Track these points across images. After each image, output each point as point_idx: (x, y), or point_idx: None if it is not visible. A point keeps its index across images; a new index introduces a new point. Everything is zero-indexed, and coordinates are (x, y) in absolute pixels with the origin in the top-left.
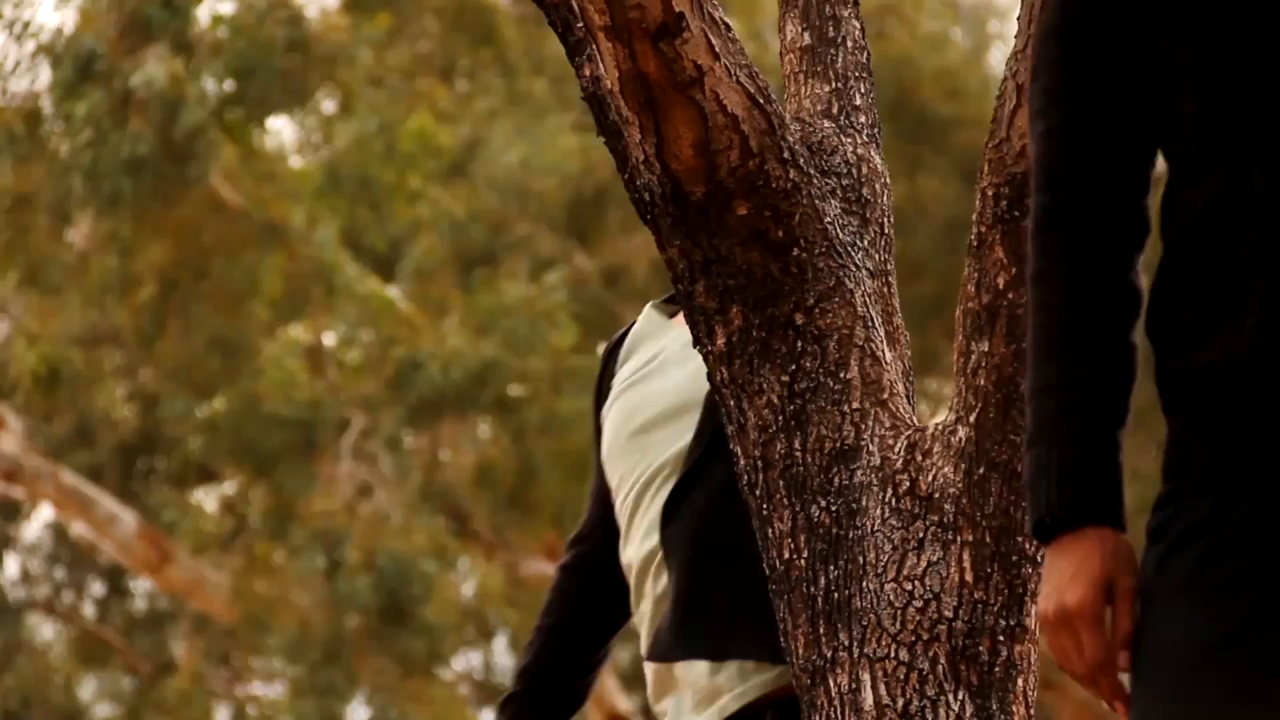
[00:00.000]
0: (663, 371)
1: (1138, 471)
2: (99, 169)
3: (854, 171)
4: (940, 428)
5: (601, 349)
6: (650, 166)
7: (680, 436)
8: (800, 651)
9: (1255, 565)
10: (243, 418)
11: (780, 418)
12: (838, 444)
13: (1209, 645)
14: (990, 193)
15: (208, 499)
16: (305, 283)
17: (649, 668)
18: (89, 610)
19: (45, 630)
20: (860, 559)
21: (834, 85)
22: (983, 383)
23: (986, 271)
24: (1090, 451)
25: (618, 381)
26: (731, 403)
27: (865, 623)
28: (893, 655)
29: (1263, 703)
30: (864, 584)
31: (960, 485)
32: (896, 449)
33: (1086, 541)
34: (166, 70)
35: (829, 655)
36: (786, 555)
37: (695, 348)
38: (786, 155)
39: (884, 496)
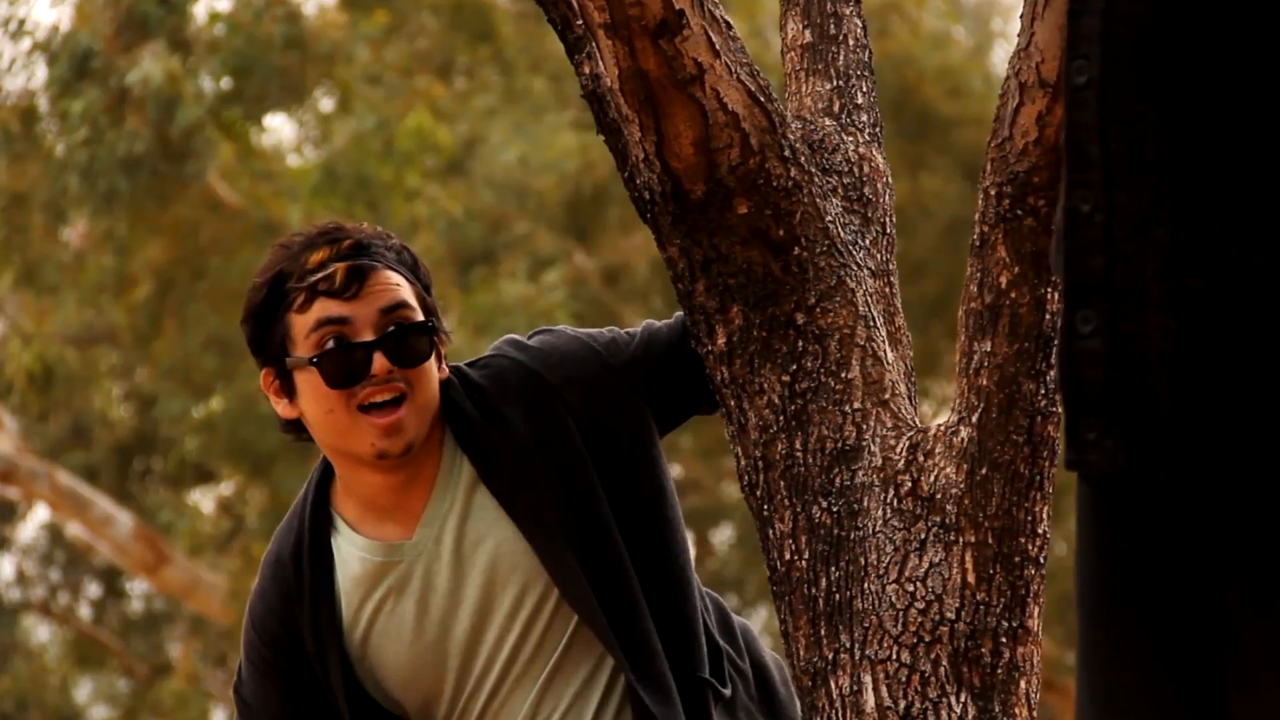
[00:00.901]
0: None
1: None
2: (95, 167)
3: (855, 170)
4: (942, 428)
5: (274, 573)
6: (650, 165)
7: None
8: (801, 653)
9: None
10: (240, 418)
11: (781, 418)
12: (839, 444)
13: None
14: (993, 192)
15: (204, 499)
16: None
17: None
18: (85, 611)
19: (41, 632)
20: (862, 560)
21: (835, 83)
22: (985, 383)
23: (989, 271)
24: None
25: (359, 612)
26: (732, 403)
27: (867, 624)
28: (894, 657)
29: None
30: (865, 585)
31: (962, 486)
32: (898, 449)
33: None
34: (163, 68)
35: (830, 657)
36: (787, 556)
37: (695, 347)
38: (787, 153)
39: (885, 497)
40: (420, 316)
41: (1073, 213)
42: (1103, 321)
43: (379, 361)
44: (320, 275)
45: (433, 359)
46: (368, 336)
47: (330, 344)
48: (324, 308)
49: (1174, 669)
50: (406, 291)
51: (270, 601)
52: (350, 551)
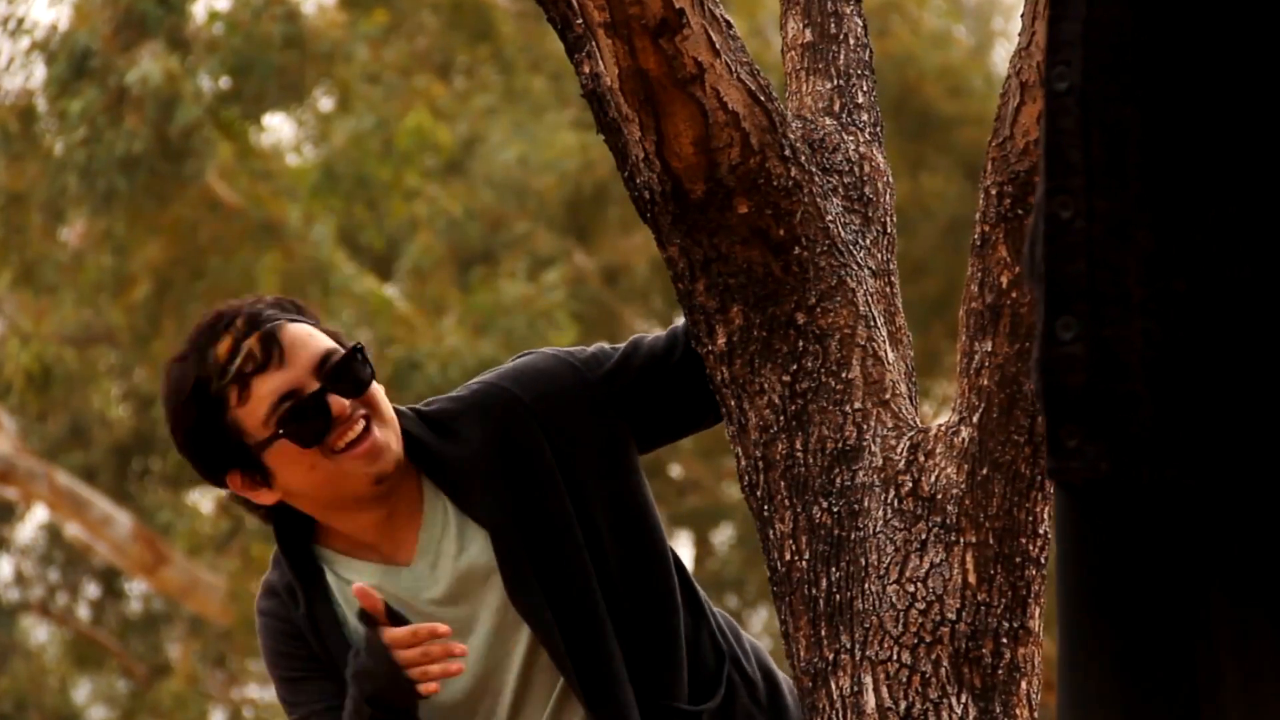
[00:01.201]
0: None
1: None
2: (94, 167)
3: (856, 170)
4: (943, 428)
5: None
6: (650, 164)
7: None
8: (801, 654)
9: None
10: None
11: (781, 418)
12: (839, 444)
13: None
14: (994, 191)
15: (203, 500)
16: (301, 281)
17: None
18: (83, 612)
19: (39, 632)
20: (862, 560)
21: (836, 82)
22: (986, 383)
23: (990, 271)
24: None
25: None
26: (732, 403)
27: (867, 625)
28: (895, 658)
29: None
30: (866, 586)
31: (963, 486)
32: (899, 450)
33: None
34: (162, 67)
35: (830, 658)
36: (788, 557)
37: (695, 347)
38: (788, 153)
39: (886, 497)
40: (342, 346)
41: (1053, 219)
42: (1084, 327)
43: (336, 403)
44: (240, 359)
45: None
46: (313, 387)
47: (286, 408)
48: (263, 385)
49: (1156, 678)
50: (318, 334)
51: (282, 616)
52: (351, 578)
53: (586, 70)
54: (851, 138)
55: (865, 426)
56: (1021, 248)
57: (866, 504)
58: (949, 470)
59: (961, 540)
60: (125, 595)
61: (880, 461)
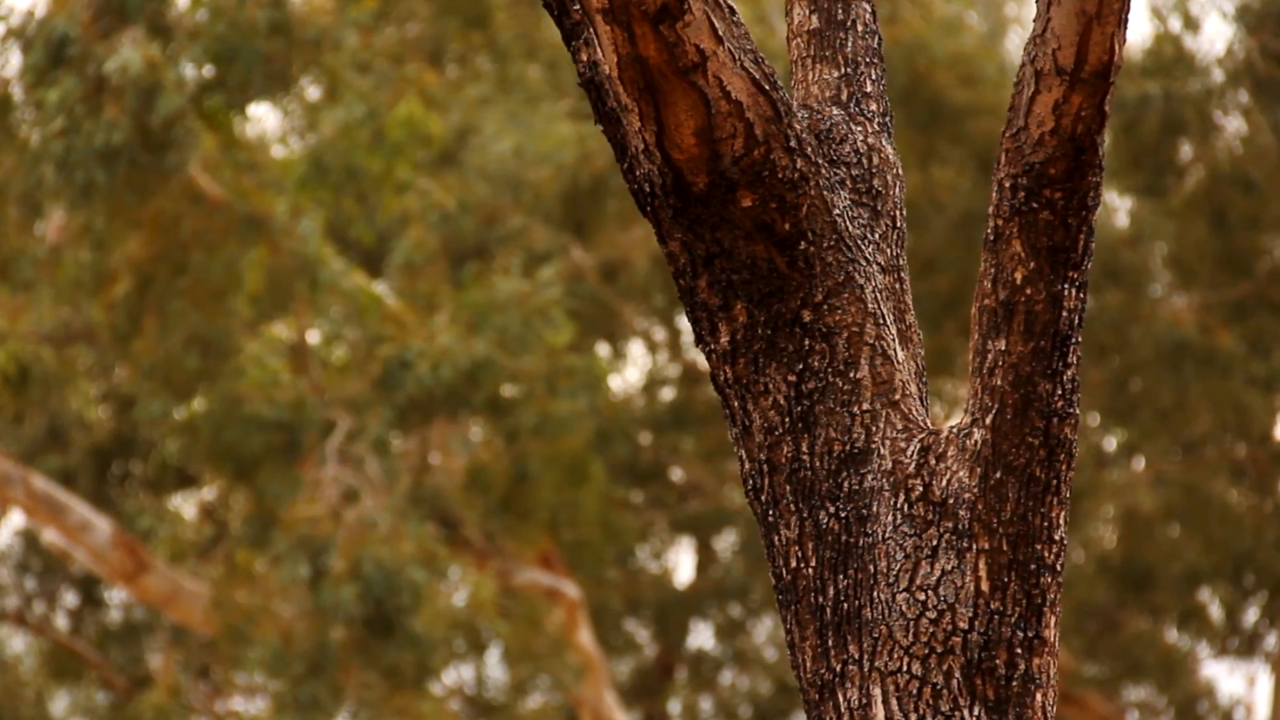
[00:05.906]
0: None
1: (1162, 475)
2: (72, 158)
3: (864, 161)
4: (954, 430)
5: None
6: (650, 156)
7: None
8: (808, 665)
9: None
10: (223, 419)
11: (787, 419)
12: (847, 447)
13: None
14: (1007, 184)
15: (186, 505)
16: (288, 278)
17: None
18: (61, 622)
19: (16, 642)
20: (871, 567)
21: (843, 71)
22: (999, 383)
23: (1003, 266)
24: None
25: None
26: (736, 404)
27: (876, 634)
28: (905, 669)
29: None
30: (875, 594)
31: (976, 490)
32: (909, 452)
33: None
34: (143, 55)
35: (838, 669)
36: (793, 564)
37: (697, 345)
38: (793, 144)
39: (896, 502)
40: None
41: None
42: None
43: None
44: None
45: None
46: None
47: None
48: None
49: None
50: None
51: None
52: None
53: (584, 58)
54: (860, 128)
55: (874, 428)
56: (1036, 242)
57: (875, 509)
58: (961, 474)
59: (974, 546)
60: (105, 604)
61: (889, 465)
